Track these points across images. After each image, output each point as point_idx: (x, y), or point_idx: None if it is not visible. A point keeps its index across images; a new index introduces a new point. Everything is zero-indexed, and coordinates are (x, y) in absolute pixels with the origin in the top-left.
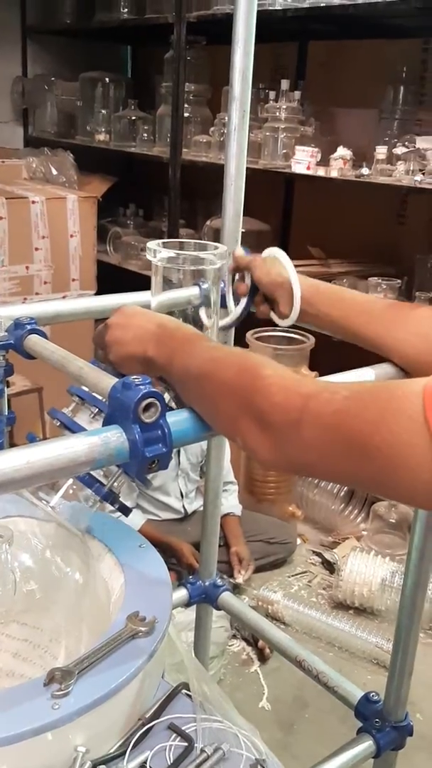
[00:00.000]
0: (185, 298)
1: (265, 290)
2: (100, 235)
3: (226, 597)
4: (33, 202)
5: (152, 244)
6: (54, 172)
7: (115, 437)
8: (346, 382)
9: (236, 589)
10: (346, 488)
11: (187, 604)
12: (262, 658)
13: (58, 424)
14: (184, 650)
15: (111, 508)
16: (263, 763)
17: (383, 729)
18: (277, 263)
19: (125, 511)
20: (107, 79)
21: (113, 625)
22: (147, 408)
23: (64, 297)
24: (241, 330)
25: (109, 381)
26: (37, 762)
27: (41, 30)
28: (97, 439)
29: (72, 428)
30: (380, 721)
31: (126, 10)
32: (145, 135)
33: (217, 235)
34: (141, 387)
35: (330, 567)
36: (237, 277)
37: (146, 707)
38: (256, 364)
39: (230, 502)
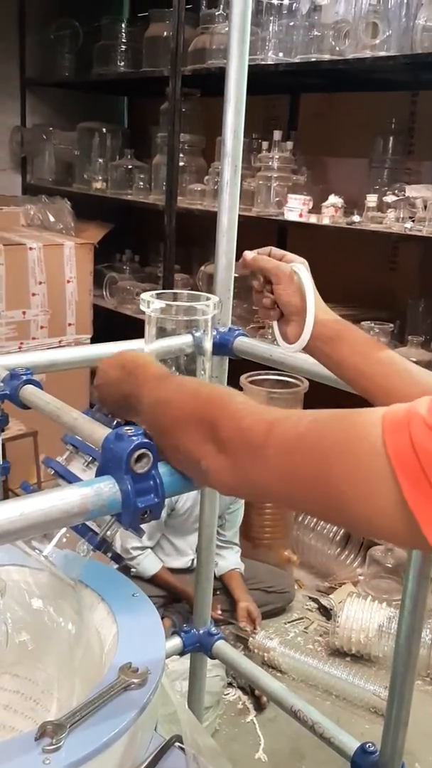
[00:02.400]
0: (178, 346)
1: (282, 308)
2: (97, 280)
3: (221, 646)
4: (30, 248)
5: (146, 295)
6: (51, 219)
7: (107, 488)
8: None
9: (240, 639)
10: (342, 532)
11: (182, 653)
12: (259, 707)
13: (53, 472)
14: (178, 701)
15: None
16: None
17: None
18: (297, 280)
19: (118, 559)
20: (104, 129)
21: (106, 676)
22: (139, 459)
23: (60, 341)
24: (234, 373)
25: (102, 432)
26: None
27: (40, 82)
28: (90, 491)
29: (66, 477)
30: None
31: (123, 63)
32: (141, 183)
33: (211, 280)
34: (133, 438)
35: (327, 613)
36: (255, 285)
37: (139, 761)
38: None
39: (235, 558)
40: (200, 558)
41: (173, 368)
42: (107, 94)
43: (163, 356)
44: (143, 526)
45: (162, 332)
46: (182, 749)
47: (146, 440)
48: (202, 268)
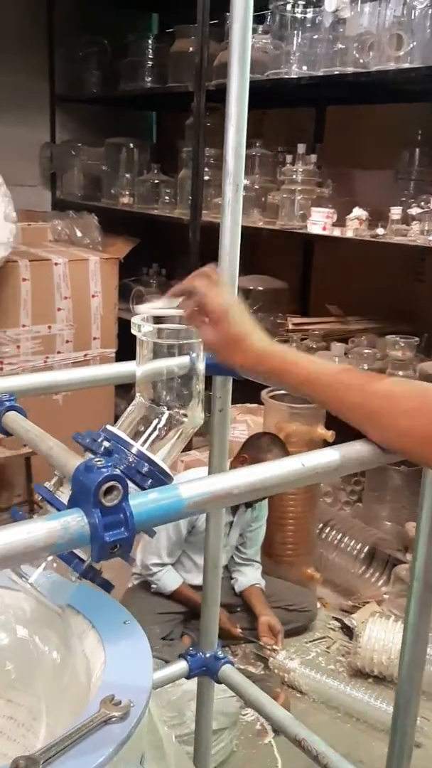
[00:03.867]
0: (170, 368)
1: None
2: (124, 293)
3: (227, 670)
4: (56, 264)
5: (136, 319)
6: (79, 234)
7: (75, 521)
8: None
9: (260, 659)
10: (366, 550)
11: (188, 677)
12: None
13: (40, 498)
14: (165, 734)
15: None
16: None
17: None
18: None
19: (107, 587)
20: (131, 145)
21: (87, 709)
22: (108, 491)
23: (85, 356)
24: (255, 389)
25: (75, 462)
26: None
27: (69, 98)
28: (57, 524)
29: (53, 503)
30: None
31: (149, 79)
32: (167, 198)
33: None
34: (103, 470)
35: (350, 632)
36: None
37: None
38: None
39: (255, 574)
40: (206, 581)
41: (165, 391)
42: (135, 110)
43: (154, 378)
44: (164, 543)
45: (153, 354)
46: None
47: (116, 472)
48: None
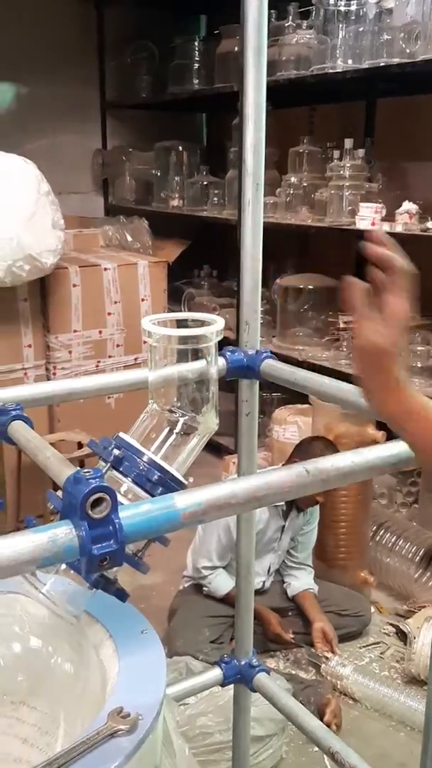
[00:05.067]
0: (183, 373)
1: None
2: (176, 296)
3: (262, 678)
4: (105, 269)
5: (146, 324)
6: (129, 238)
7: (63, 534)
8: None
9: (312, 664)
10: (422, 553)
11: (222, 684)
12: None
13: (51, 507)
14: (179, 746)
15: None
16: None
17: None
18: None
19: (121, 596)
20: (180, 147)
21: (95, 721)
22: (96, 503)
23: (135, 359)
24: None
25: (67, 472)
26: None
27: (119, 104)
28: (44, 537)
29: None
30: None
31: (197, 81)
32: (216, 199)
33: (287, 293)
34: (91, 481)
35: (404, 638)
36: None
37: None
38: None
39: (308, 579)
40: (239, 588)
41: (177, 397)
42: (184, 112)
43: (167, 384)
44: (215, 546)
45: (165, 359)
46: None
47: (104, 484)
48: (278, 281)
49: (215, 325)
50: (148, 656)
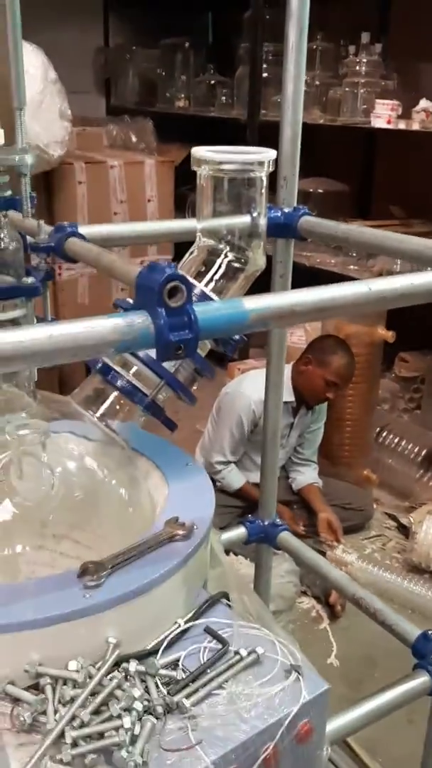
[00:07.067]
0: (233, 206)
1: None
2: (181, 202)
3: (285, 536)
4: (111, 166)
5: (198, 151)
6: (134, 138)
7: (140, 320)
8: None
9: (318, 552)
10: (424, 453)
11: (246, 542)
12: (333, 615)
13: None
14: (227, 561)
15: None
16: (298, 669)
17: None
18: None
19: (170, 425)
20: (186, 45)
21: (152, 529)
22: (173, 292)
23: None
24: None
25: (136, 269)
26: (66, 649)
27: (122, 1)
28: (121, 321)
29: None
30: None
31: None
32: (224, 98)
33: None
34: (167, 269)
35: (405, 532)
36: None
37: (183, 612)
38: None
39: (313, 474)
40: (265, 449)
41: (227, 231)
42: (189, 10)
43: (217, 217)
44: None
45: (215, 191)
46: (229, 606)
47: (181, 273)
48: None
49: (268, 153)
50: (195, 481)
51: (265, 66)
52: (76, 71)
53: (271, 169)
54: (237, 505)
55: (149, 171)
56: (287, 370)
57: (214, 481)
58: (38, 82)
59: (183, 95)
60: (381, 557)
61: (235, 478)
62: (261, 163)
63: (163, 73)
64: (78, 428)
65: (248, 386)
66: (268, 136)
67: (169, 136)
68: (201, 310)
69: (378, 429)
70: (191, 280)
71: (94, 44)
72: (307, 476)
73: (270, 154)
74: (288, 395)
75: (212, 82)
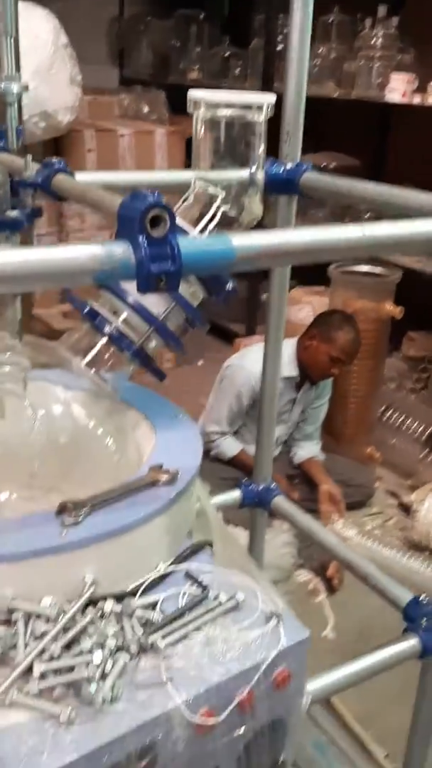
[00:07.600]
0: (228, 173)
1: None
2: None
3: (280, 501)
4: (121, 135)
5: (195, 93)
6: (146, 109)
7: (120, 249)
8: None
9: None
10: (427, 433)
11: (240, 506)
12: (330, 589)
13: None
14: (212, 512)
15: None
16: (279, 615)
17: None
18: None
19: (159, 375)
20: (201, 16)
21: (136, 474)
22: (155, 221)
23: None
24: (321, 268)
25: (121, 199)
26: (41, 586)
27: None
28: (100, 249)
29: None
30: (429, 621)
31: None
32: (237, 71)
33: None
34: (149, 197)
35: (406, 510)
36: None
37: (166, 558)
38: None
39: (315, 449)
40: (262, 413)
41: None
42: None
43: (213, 158)
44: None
45: (211, 131)
46: (212, 554)
47: (163, 202)
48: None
49: (267, 97)
50: (184, 433)
51: (279, 38)
52: (90, 42)
53: (270, 114)
54: (233, 476)
55: (160, 141)
56: (292, 343)
57: (208, 451)
58: (49, 46)
59: (197, 67)
60: (381, 534)
61: (230, 446)
62: (260, 107)
63: (178, 45)
64: (65, 377)
65: (250, 359)
66: (281, 110)
67: (181, 108)
68: (185, 244)
69: (383, 407)
70: (186, 225)
71: (109, 14)
72: (308, 450)
73: (268, 97)
74: (292, 370)
75: (226, 54)
